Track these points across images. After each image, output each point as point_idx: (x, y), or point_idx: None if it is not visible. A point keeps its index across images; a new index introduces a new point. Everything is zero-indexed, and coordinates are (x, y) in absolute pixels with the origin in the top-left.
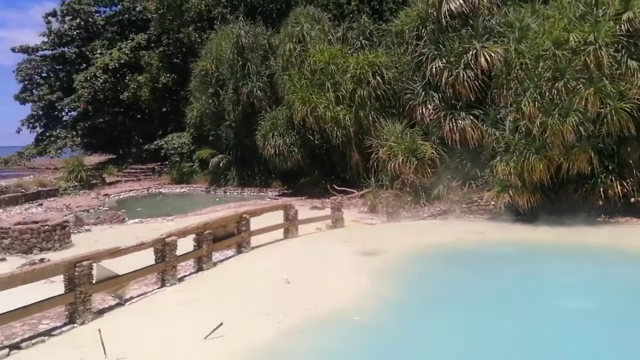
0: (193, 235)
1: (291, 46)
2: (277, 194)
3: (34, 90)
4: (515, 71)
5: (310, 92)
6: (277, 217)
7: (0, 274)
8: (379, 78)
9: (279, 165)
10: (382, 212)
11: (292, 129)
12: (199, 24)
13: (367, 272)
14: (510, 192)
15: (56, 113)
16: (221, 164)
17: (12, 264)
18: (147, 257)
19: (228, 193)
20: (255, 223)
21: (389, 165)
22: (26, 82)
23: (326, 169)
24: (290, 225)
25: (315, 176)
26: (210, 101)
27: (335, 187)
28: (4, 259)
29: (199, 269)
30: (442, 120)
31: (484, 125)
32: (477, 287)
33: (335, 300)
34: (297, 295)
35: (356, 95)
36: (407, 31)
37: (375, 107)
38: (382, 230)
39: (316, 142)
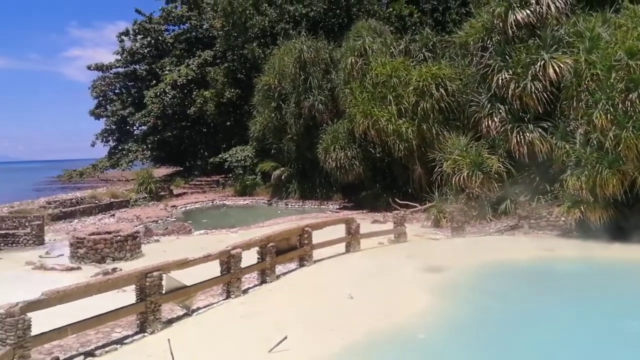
0: (257, 248)
1: (353, 60)
2: (338, 207)
3: (107, 106)
4: (586, 82)
5: (371, 105)
6: (339, 230)
7: (78, 284)
8: (442, 90)
9: (340, 178)
10: (447, 227)
11: (354, 142)
12: (262, 40)
13: (431, 289)
14: (582, 207)
15: (128, 127)
16: (283, 177)
17: (87, 272)
18: (212, 268)
19: (289, 205)
20: (317, 236)
21: (454, 179)
22: (100, 99)
23: (388, 182)
24: (352, 239)
25: (376, 189)
26: (273, 115)
27: (398, 200)
28: (79, 268)
29: (263, 281)
30: (509, 133)
31: (553, 138)
32: (548, 307)
33: (399, 317)
34: (360, 310)
35: (419, 108)
36: (471, 42)
37: (439, 119)
38: (447, 245)
39: (378, 155)
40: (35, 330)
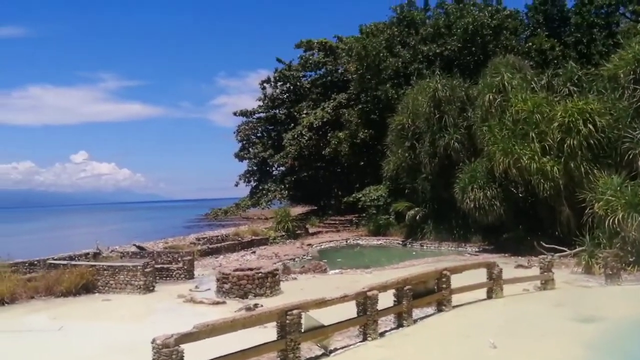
0: (393, 290)
1: (491, 97)
2: (476, 249)
3: (250, 149)
4: None
5: (512, 143)
6: (479, 275)
7: (225, 319)
8: (590, 126)
9: (479, 220)
10: (599, 273)
11: (493, 181)
12: (395, 81)
13: (583, 342)
14: None
15: (268, 168)
16: (417, 217)
17: (231, 307)
18: (347, 309)
19: (425, 247)
20: (456, 280)
21: (607, 222)
22: (244, 142)
23: (532, 224)
24: (494, 285)
25: (519, 232)
26: (407, 154)
27: (543, 244)
28: (224, 302)
29: (399, 325)
30: None
31: None
32: None
33: None
34: None
35: (565, 145)
36: (622, 75)
37: (587, 157)
38: (600, 294)
39: (520, 195)
40: None
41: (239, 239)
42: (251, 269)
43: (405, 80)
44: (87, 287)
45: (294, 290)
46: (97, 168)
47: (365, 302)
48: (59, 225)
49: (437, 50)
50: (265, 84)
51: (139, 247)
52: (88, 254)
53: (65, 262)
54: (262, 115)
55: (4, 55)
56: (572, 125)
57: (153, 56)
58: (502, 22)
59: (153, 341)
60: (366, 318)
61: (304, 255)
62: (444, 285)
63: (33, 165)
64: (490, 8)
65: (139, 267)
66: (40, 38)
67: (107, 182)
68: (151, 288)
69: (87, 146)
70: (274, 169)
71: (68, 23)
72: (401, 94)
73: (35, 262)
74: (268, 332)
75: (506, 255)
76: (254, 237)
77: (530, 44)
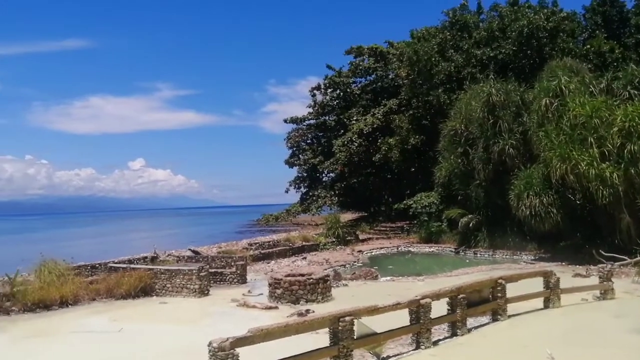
0: (446, 299)
1: (547, 101)
2: (532, 258)
3: (300, 155)
4: None
5: (570, 149)
6: (535, 284)
7: (278, 324)
8: None
9: (535, 227)
10: None
11: (550, 188)
12: (447, 86)
13: None
14: None
15: (317, 175)
16: (471, 224)
17: (283, 312)
18: (399, 316)
19: (478, 255)
20: (511, 289)
21: None
22: (294, 149)
23: (590, 232)
24: (551, 294)
25: (577, 240)
26: (459, 160)
27: (602, 252)
28: (276, 307)
29: (453, 334)
30: None
31: None
32: None
33: None
34: None
35: (625, 151)
36: None
37: None
38: None
39: (577, 202)
40: None
41: (290, 244)
42: (302, 275)
43: (457, 85)
44: (145, 290)
45: (345, 297)
46: (154, 174)
47: (418, 310)
48: (118, 230)
49: (491, 54)
50: (315, 91)
51: (194, 251)
52: (146, 257)
53: (124, 265)
54: (312, 122)
55: (66, 67)
56: (632, 129)
57: (206, 66)
58: (559, 25)
59: (209, 344)
60: (419, 326)
61: (355, 262)
62: (499, 294)
63: (94, 171)
64: (546, 10)
65: (194, 271)
66: (101, 50)
67: (162, 188)
68: (206, 292)
69: (144, 153)
70: (323, 175)
71: (127, 36)
72: (454, 99)
73: (97, 265)
74: (319, 338)
75: (563, 264)
76: (304, 243)
77: (588, 46)
